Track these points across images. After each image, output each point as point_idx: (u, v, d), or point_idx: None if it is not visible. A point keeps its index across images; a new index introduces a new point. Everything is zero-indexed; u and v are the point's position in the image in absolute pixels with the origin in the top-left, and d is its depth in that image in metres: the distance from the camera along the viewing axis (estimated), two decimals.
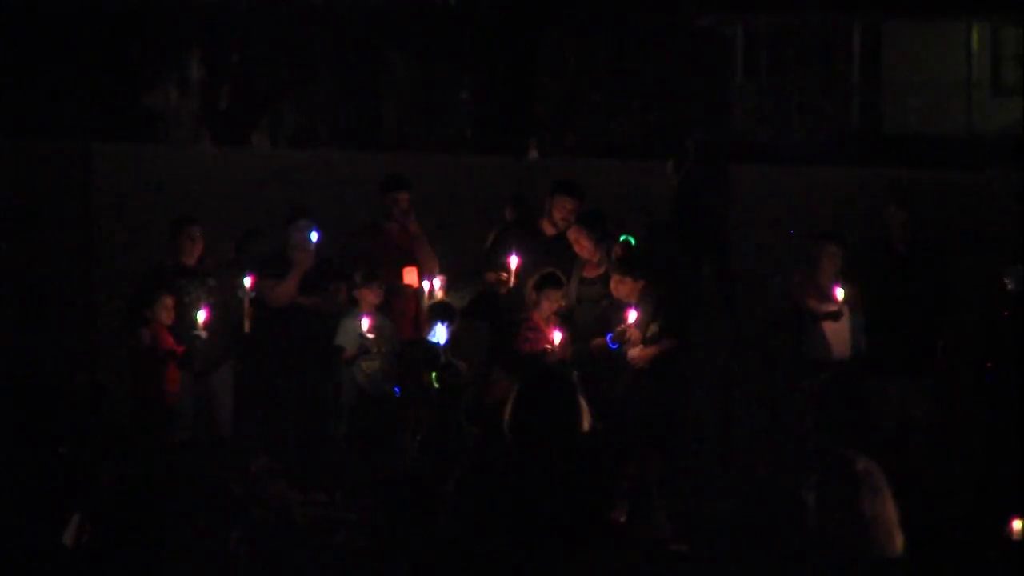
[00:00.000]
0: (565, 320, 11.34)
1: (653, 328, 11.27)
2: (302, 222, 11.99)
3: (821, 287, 11.74)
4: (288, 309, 11.78)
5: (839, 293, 11.59)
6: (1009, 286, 11.64)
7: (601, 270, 11.67)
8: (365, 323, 11.37)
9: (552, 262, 11.56)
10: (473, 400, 11.44)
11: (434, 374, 11.26)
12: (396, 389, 11.54)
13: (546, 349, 11.04)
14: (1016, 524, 7.63)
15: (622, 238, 12.22)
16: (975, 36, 35.08)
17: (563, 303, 11.38)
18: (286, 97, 38.25)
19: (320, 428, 11.74)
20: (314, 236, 11.90)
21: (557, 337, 11.04)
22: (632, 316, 11.10)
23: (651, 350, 11.22)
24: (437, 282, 12.07)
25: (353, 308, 11.65)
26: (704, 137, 18.28)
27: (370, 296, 11.59)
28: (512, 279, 11.66)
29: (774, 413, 12.34)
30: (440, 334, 11.47)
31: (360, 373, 11.48)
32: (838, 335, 11.69)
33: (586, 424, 6.22)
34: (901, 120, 34.87)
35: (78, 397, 10.93)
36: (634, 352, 11.19)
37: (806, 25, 36.09)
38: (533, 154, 33.61)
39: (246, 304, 11.48)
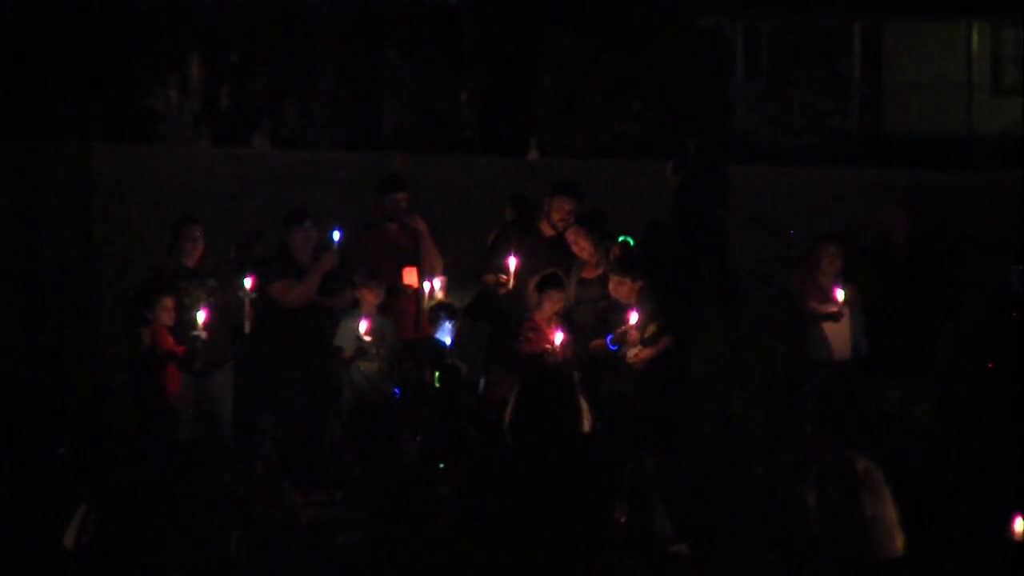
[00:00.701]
0: (565, 321, 11.33)
1: (652, 328, 11.27)
2: (306, 223, 11.97)
3: (821, 288, 11.74)
4: (293, 309, 11.76)
5: (839, 294, 11.59)
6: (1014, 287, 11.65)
7: (600, 271, 11.66)
8: (363, 326, 11.36)
9: (551, 263, 11.56)
10: (473, 401, 11.45)
11: (437, 373, 11.26)
12: (396, 390, 11.54)
13: (546, 349, 11.04)
14: (1017, 524, 7.63)
15: (620, 239, 12.21)
16: (975, 36, 35.08)
17: (564, 304, 11.38)
18: (286, 97, 38.24)
19: (321, 428, 11.74)
20: (336, 236, 11.88)
21: (558, 337, 11.04)
22: (633, 318, 11.10)
23: (649, 351, 11.21)
24: (438, 283, 12.07)
25: (353, 309, 11.65)
26: (704, 138, 18.29)
27: (370, 296, 11.58)
28: (511, 281, 11.65)
29: (774, 413, 12.34)
30: (446, 333, 11.47)
31: (358, 374, 11.47)
32: (838, 336, 11.69)
33: (586, 425, 6.23)
34: (901, 120, 34.86)
35: (78, 398, 10.93)
36: (632, 353, 11.18)
37: (806, 25, 36.09)
38: (533, 154, 33.61)
39: (247, 305, 11.48)
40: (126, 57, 36.86)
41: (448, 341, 11.45)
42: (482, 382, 11.60)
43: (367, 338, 11.36)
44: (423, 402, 11.35)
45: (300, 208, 12.27)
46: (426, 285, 12.01)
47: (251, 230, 12.77)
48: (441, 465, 10.36)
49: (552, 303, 11.25)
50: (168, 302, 11.39)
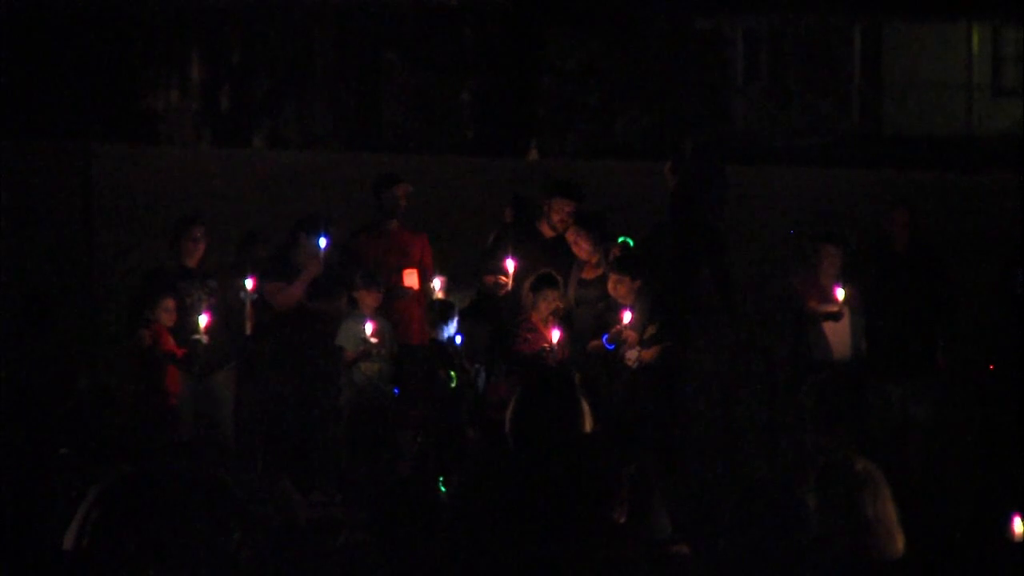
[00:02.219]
0: (564, 321, 11.33)
1: (651, 329, 11.26)
2: (320, 234, 11.88)
3: (822, 288, 11.75)
4: (291, 311, 11.76)
5: (840, 293, 11.59)
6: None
7: (600, 271, 11.66)
8: (369, 327, 11.35)
9: (550, 264, 11.55)
10: (474, 401, 11.45)
11: (452, 372, 11.25)
12: (395, 390, 11.55)
13: (544, 348, 11.04)
14: (1017, 524, 7.63)
15: (620, 239, 12.22)
16: (975, 37, 35.10)
17: (560, 303, 11.38)
18: (286, 97, 38.25)
19: (320, 429, 11.74)
20: (323, 242, 11.85)
21: (555, 336, 11.04)
22: (627, 317, 11.10)
23: (648, 354, 11.20)
24: (437, 283, 12.07)
25: (353, 310, 11.65)
26: (702, 137, 18.28)
27: (368, 299, 11.58)
28: (510, 282, 11.65)
29: (774, 413, 12.34)
30: (450, 333, 11.47)
31: (359, 375, 11.47)
32: (839, 336, 11.70)
33: (588, 425, 6.23)
34: (901, 120, 34.88)
35: (79, 398, 10.93)
36: (631, 354, 11.18)
37: (806, 25, 36.10)
38: (534, 155, 33.62)
39: (248, 306, 11.47)
40: (126, 57, 36.87)
41: (458, 341, 11.43)
42: (482, 382, 11.61)
43: (373, 340, 11.34)
44: (427, 402, 11.34)
45: (318, 217, 12.19)
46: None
47: (251, 231, 12.77)
48: (441, 477, 10.36)
49: (547, 303, 11.25)
50: (169, 303, 11.39)
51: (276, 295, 11.72)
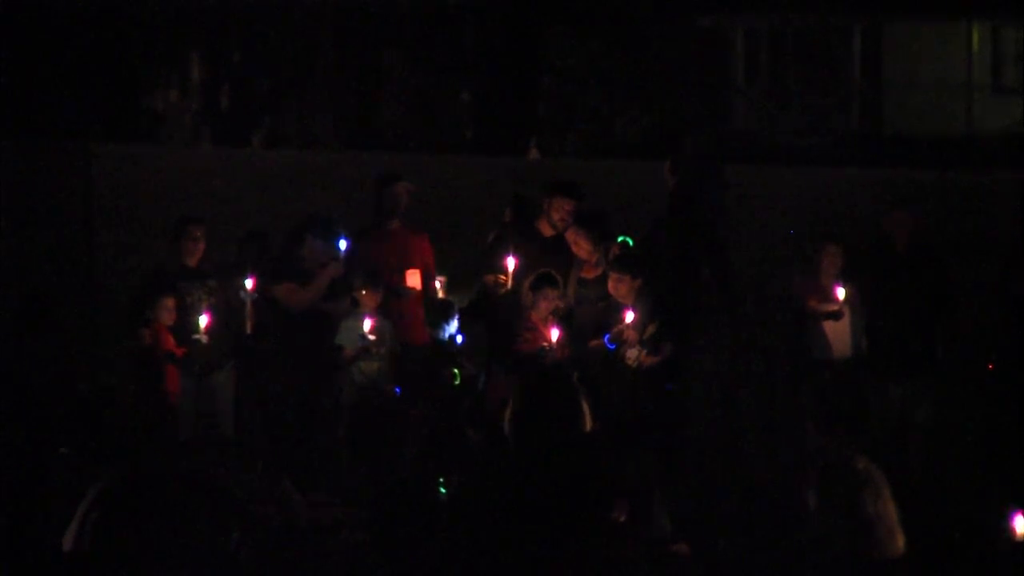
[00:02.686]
0: (563, 320, 11.33)
1: (651, 329, 11.26)
2: (329, 237, 11.84)
3: (822, 287, 11.76)
4: (300, 311, 11.74)
5: (840, 293, 11.60)
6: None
7: (599, 271, 11.66)
8: (367, 324, 11.35)
9: (550, 263, 11.55)
10: (474, 402, 11.45)
11: (456, 371, 11.26)
12: (396, 389, 11.55)
13: (543, 347, 11.04)
14: (1017, 524, 7.63)
15: (620, 239, 12.21)
16: (975, 36, 35.11)
17: (560, 303, 11.38)
18: (286, 97, 38.27)
19: (320, 429, 11.74)
20: (343, 244, 11.81)
21: (555, 335, 11.03)
22: (629, 316, 11.10)
23: (649, 360, 11.19)
24: (437, 283, 12.08)
25: (353, 308, 11.65)
26: (702, 137, 18.29)
27: (369, 299, 11.58)
28: (509, 281, 11.64)
29: (774, 413, 12.35)
30: (450, 332, 11.48)
31: (359, 374, 11.48)
32: (839, 335, 11.71)
33: (587, 424, 6.23)
34: (901, 120, 34.88)
35: (79, 398, 10.93)
36: (631, 354, 11.17)
37: (806, 25, 36.12)
38: (534, 154, 33.63)
39: (248, 306, 11.47)
40: (126, 57, 36.89)
41: (458, 340, 11.43)
42: (482, 382, 11.61)
43: (371, 336, 11.35)
44: (428, 402, 11.34)
45: (328, 219, 12.16)
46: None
47: (251, 231, 12.77)
48: (441, 479, 10.36)
49: (547, 302, 11.24)
50: (169, 302, 11.39)
51: (291, 296, 11.67)
